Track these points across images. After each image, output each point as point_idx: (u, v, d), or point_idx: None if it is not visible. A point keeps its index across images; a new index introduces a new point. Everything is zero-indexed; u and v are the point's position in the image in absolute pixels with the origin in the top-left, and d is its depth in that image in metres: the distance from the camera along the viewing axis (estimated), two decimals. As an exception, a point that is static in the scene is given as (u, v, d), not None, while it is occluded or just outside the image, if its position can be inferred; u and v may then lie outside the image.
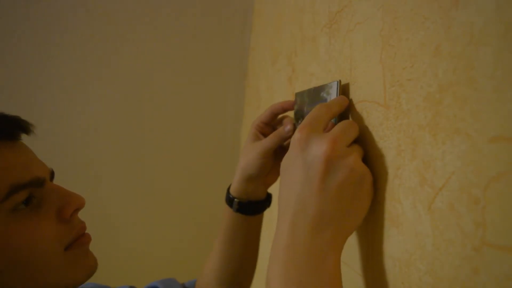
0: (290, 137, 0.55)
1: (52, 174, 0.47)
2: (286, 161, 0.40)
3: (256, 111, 1.11)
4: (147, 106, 1.27)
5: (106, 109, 1.24)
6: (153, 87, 1.27)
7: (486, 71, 0.25)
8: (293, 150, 0.38)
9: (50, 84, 1.19)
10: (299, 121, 0.55)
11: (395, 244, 0.36)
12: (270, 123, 0.60)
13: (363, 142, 0.42)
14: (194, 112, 1.32)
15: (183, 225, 1.32)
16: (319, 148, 0.36)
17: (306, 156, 0.36)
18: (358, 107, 0.44)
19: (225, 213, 0.61)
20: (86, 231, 0.47)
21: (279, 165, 0.59)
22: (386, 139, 0.38)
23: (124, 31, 1.23)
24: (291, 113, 0.64)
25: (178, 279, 0.69)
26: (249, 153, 0.57)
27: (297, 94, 0.55)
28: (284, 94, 0.80)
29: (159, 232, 1.29)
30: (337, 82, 0.45)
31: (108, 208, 1.25)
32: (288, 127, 0.55)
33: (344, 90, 0.47)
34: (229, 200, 0.60)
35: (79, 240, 0.44)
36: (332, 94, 0.45)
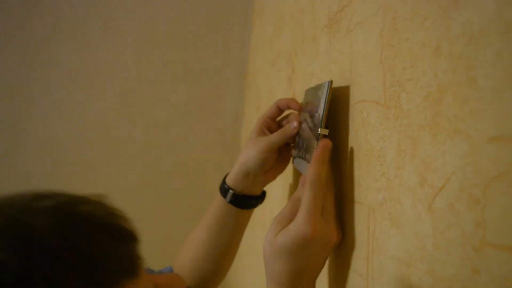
0: (295, 134, 0.55)
1: None
2: (291, 241, 0.41)
3: (256, 111, 1.11)
4: (147, 106, 1.27)
5: (106, 110, 1.24)
6: (153, 87, 1.27)
7: (486, 71, 0.25)
8: (297, 240, 0.40)
9: (50, 84, 1.19)
10: (309, 119, 0.56)
11: (395, 244, 0.36)
12: (276, 118, 0.60)
13: (363, 143, 0.42)
14: (194, 112, 1.32)
15: (182, 225, 1.31)
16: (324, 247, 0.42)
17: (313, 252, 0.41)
18: (358, 107, 0.44)
19: (217, 202, 0.60)
20: None
21: (280, 163, 0.58)
22: (386, 139, 0.38)
23: (124, 31, 1.23)
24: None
25: None
26: (252, 146, 0.56)
27: (306, 91, 0.56)
28: (284, 94, 0.80)
29: (158, 233, 1.29)
30: (328, 81, 0.45)
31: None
32: (294, 124, 0.54)
33: (342, 89, 0.47)
34: (224, 190, 0.59)
35: None
36: (324, 93, 0.46)
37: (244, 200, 0.59)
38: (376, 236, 0.39)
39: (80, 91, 1.22)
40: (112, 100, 1.24)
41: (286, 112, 0.61)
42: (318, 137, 0.45)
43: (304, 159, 0.50)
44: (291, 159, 0.60)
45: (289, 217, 0.43)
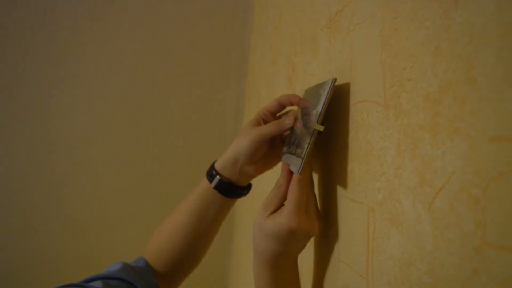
0: (289, 129, 0.55)
1: None
2: (278, 227, 0.46)
3: (256, 111, 1.11)
4: (147, 106, 1.27)
5: (106, 110, 1.24)
6: (153, 87, 1.27)
7: (486, 71, 0.25)
8: (283, 231, 0.46)
9: (50, 84, 1.19)
10: (304, 116, 0.55)
11: (395, 244, 0.36)
12: (276, 113, 0.60)
13: (363, 143, 0.42)
14: (194, 112, 1.32)
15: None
16: (306, 237, 0.48)
17: (293, 241, 0.47)
18: (358, 107, 0.44)
19: (202, 186, 0.61)
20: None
21: (270, 158, 0.58)
22: (386, 139, 0.38)
23: (124, 31, 1.23)
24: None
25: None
26: (245, 135, 0.57)
27: (306, 90, 0.56)
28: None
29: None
30: (332, 79, 0.45)
31: (108, 207, 1.24)
32: (288, 121, 0.55)
33: (343, 89, 0.47)
34: (211, 175, 0.59)
35: None
36: (326, 90, 0.46)
37: (229, 187, 0.59)
38: (376, 236, 0.39)
39: (80, 91, 1.22)
40: (112, 100, 1.24)
41: (287, 109, 0.61)
42: (312, 133, 0.45)
43: (294, 154, 0.50)
44: (281, 155, 0.60)
45: (274, 202, 0.49)
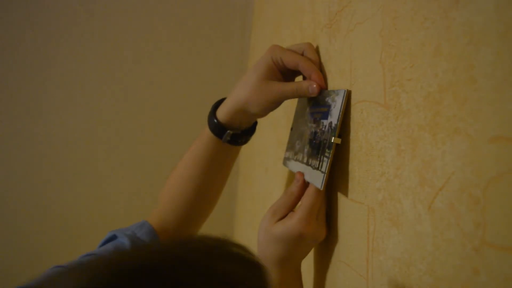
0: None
1: None
2: (285, 234, 0.47)
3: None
4: (147, 106, 1.27)
5: (106, 110, 1.24)
6: (153, 87, 1.27)
7: (486, 71, 0.25)
8: (293, 235, 0.46)
9: (49, 84, 1.19)
10: (299, 120, 0.55)
11: (395, 244, 0.36)
12: (285, 72, 0.54)
13: (363, 143, 0.42)
14: (194, 112, 1.32)
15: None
16: (314, 240, 0.48)
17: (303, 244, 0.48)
18: (358, 107, 0.44)
19: (208, 142, 0.57)
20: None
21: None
22: (386, 139, 0.38)
23: (124, 32, 1.23)
24: (293, 103, 0.63)
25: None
26: (262, 91, 0.51)
27: None
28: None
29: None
30: (345, 91, 0.44)
31: (108, 207, 1.24)
32: (312, 90, 0.50)
33: (347, 98, 0.47)
34: (219, 130, 0.55)
35: None
36: (338, 101, 0.45)
37: (242, 137, 0.57)
38: (376, 236, 0.39)
39: (80, 91, 1.22)
40: (111, 101, 1.24)
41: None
42: (330, 146, 0.45)
43: (308, 164, 0.49)
44: (283, 160, 0.60)
45: (283, 208, 0.49)
